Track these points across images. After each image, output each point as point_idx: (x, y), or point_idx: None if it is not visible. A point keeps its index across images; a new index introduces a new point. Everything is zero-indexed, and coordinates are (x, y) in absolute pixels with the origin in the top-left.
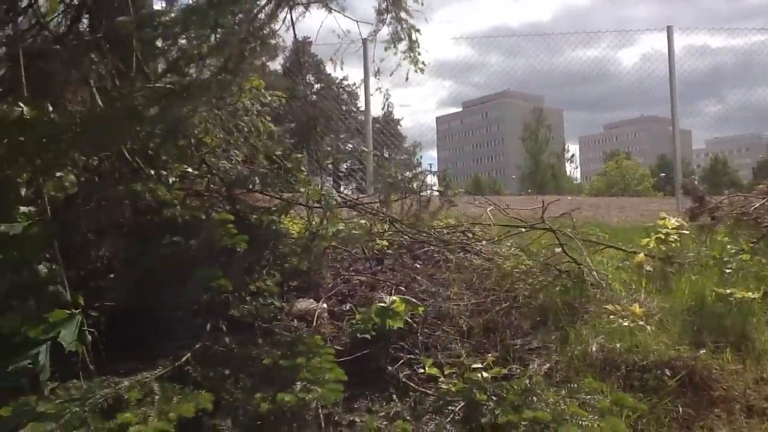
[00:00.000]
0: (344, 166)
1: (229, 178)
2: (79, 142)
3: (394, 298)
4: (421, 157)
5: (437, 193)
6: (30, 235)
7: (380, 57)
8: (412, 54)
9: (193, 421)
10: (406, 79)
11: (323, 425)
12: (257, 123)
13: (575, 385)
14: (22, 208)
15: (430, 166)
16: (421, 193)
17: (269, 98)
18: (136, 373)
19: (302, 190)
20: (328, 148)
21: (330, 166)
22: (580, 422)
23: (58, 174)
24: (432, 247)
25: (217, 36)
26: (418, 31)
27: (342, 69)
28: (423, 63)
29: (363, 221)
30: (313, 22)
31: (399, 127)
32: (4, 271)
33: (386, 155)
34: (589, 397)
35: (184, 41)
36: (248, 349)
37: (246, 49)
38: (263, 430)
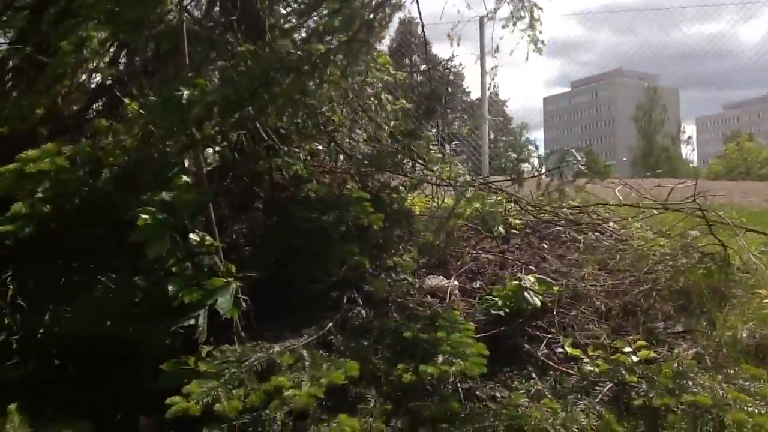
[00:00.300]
0: (449, 146)
1: (358, 156)
2: (211, 117)
3: (530, 276)
4: (527, 138)
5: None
6: (186, 201)
7: (491, 36)
8: (531, 32)
9: (340, 388)
10: (527, 58)
11: (463, 399)
12: (383, 100)
13: (732, 371)
14: (185, 177)
15: (537, 148)
16: (562, 172)
17: (393, 73)
18: (283, 339)
19: (434, 168)
20: (434, 130)
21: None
22: (744, 408)
23: (217, 148)
24: (559, 227)
25: (347, 10)
26: (540, 8)
27: (459, 45)
28: (542, 42)
29: (499, 199)
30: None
31: (505, 107)
32: (164, 238)
33: (492, 136)
34: (747, 383)
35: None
36: (386, 321)
37: (375, 20)
38: (405, 400)
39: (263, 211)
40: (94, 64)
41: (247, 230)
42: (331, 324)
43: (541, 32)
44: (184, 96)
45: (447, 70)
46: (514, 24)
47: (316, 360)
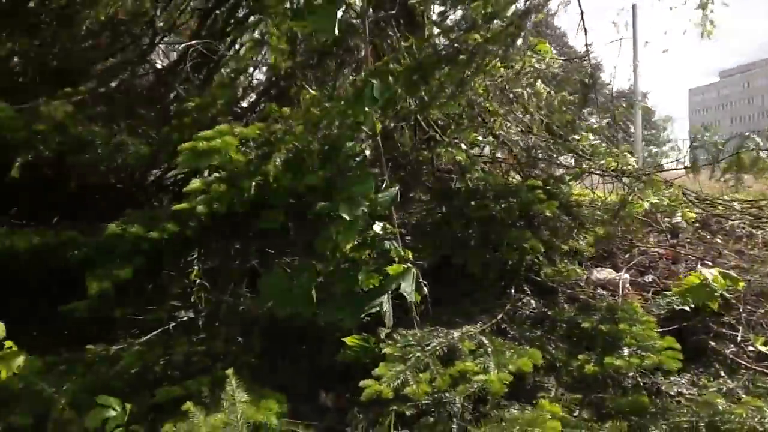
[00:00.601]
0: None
1: (520, 146)
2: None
3: (712, 271)
4: (670, 132)
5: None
6: (377, 200)
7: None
8: (704, 12)
9: (517, 376)
10: (702, 36)
11: (647, 393)
12: (539, 89)
13: None
14: (371, 170)
15: (683, 142)
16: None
17: (549, 62)
18: (456, 326)
19: (600, 160)
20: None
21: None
22: None
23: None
24: (732, 222)
25: None
26: None
27: (627, 29)
28: (712, 23)
29: (676, 191)
30: None
31: (646, 100)
32: (354, 229)
33: (632, 129)
34: None
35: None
36: (558, 312)
37: (531, 6)
38: (585, 390)
39: (427, 201)
40: (272, 59)
41: (408, 219)
42: (503, 312)
43: (713, 11)
44: (376, 89)
45: (589, 62)
46: (684, 3)
47: (496, 347)
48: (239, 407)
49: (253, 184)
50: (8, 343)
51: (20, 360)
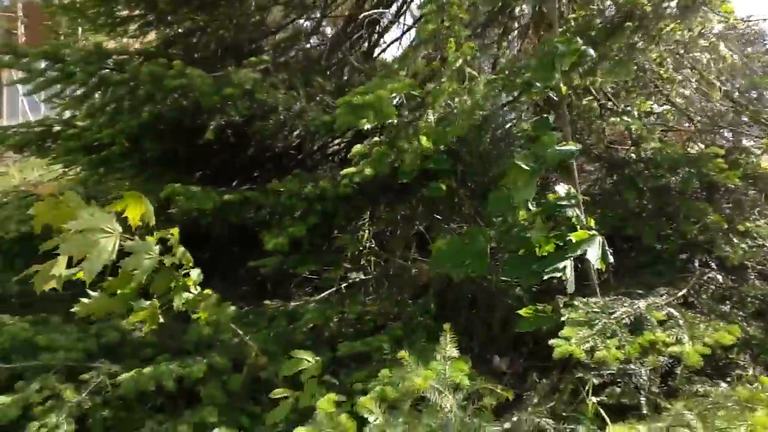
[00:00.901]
0: None
1: (699, 114)
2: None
3: None
4: None
5: None
6: (555, 153)
7: None
8: None
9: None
10: None
11: None
12: (723, 53)
13: None
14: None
15: None
16: None
17: (734, 23)
18: (638, 296)
19: None
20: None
21: None
22: None
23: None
24: None
25: None
26: None
27: None
28: None
29: None
30: None
31: None
32: (531, 185)
33: None
34: None
35: None
36: (750, 288)
37: None
38: None
39: (596, 170)
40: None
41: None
42: (688, 286)
43: None
44: (560, 50)
45: None
46: None
47: (687, 319)
48: (448, 363)
49: (413, 146)
50: (207, 291)
51: (223, 307)
